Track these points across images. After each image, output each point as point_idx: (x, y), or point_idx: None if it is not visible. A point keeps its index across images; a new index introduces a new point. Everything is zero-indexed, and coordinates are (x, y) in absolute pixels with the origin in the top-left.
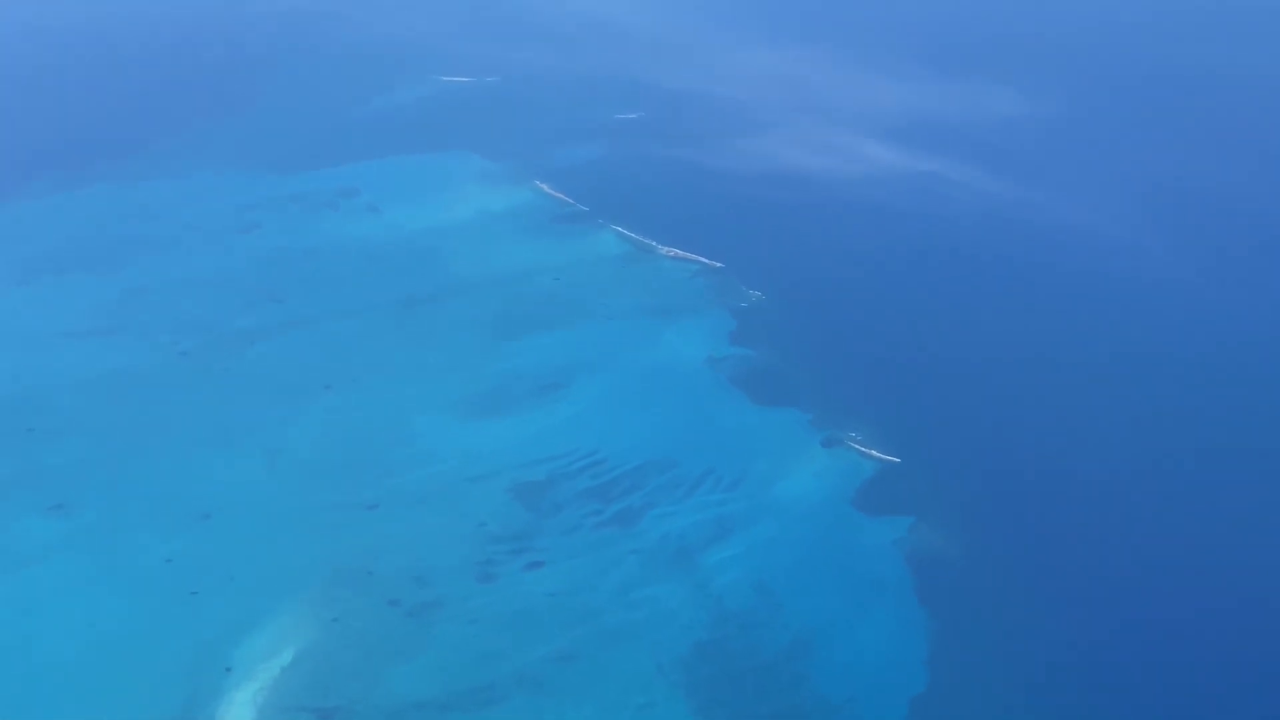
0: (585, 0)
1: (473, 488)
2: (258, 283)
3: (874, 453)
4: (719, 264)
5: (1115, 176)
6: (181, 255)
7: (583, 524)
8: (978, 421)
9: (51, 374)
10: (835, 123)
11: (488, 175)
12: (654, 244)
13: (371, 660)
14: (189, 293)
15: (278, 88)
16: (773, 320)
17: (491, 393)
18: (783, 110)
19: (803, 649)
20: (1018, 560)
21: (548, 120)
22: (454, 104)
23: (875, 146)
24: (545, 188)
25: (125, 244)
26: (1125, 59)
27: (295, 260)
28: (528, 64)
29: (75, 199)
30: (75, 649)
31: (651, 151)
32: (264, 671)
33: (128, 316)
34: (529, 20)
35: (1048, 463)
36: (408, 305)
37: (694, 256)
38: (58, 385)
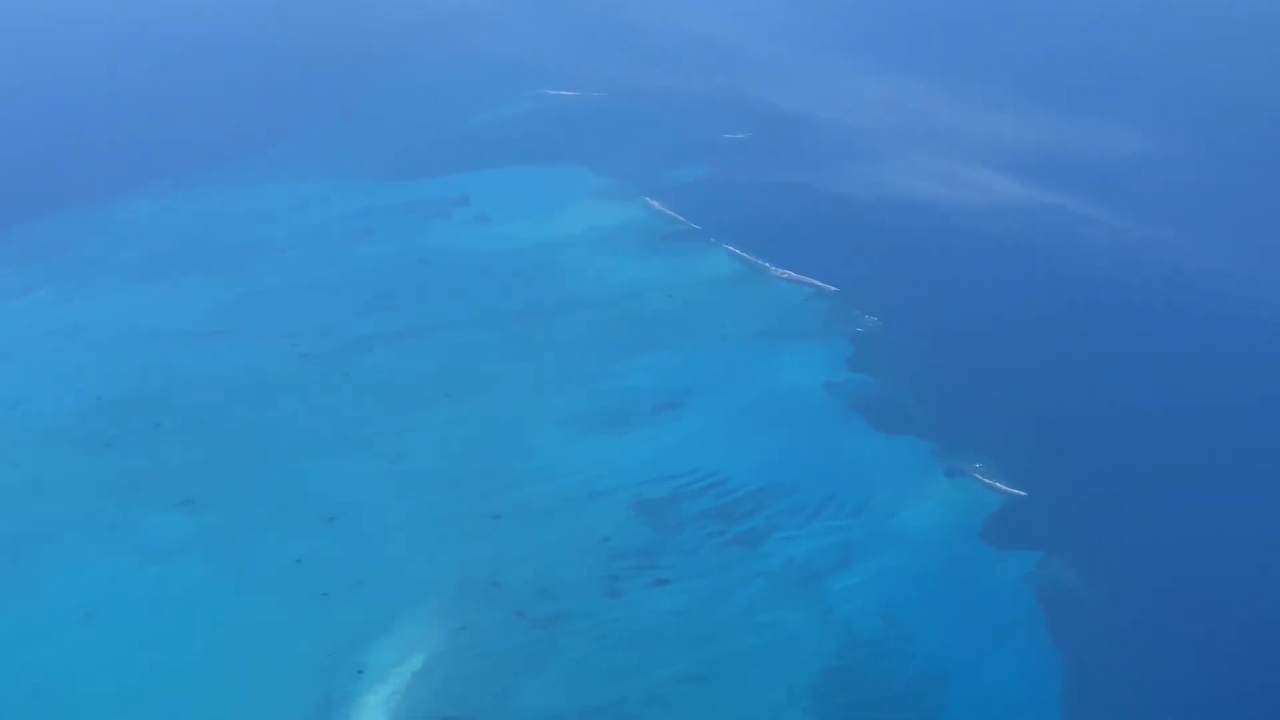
0: (691, 19)
1: (595, 503)
2: (373, 289)
3: (999, 485)
4: (834, 288)
5: (1241, 219)
6: (297, 259)
7: (706, 544)
8: (1102, 457)
9: (175, 372)
10: (952, 153)
11: (597, 190)
12: (767, 265)
13: (500, 671)
14: (306, 297)
15: (385, 98)
16: (890, 347)
17: (610, 409)
18: (896, 138)
19: (935, 682)
20: (1151, 600)
21: (655, 137)
22: (561, 118)
23: (995, 178)
24: (656, 204)
25: (242, 247)
26: (1251, 101)
27: (409, 268)
28: (633, 80)
29: (191, 200)
30: (208, 645)
31: (761, 173)
32: (395, 676)
33: (247, 318)
34: (633, 37)
35: (1177, 501)
36: (522, 317)
37: (808, 280)
38: (182, 383)
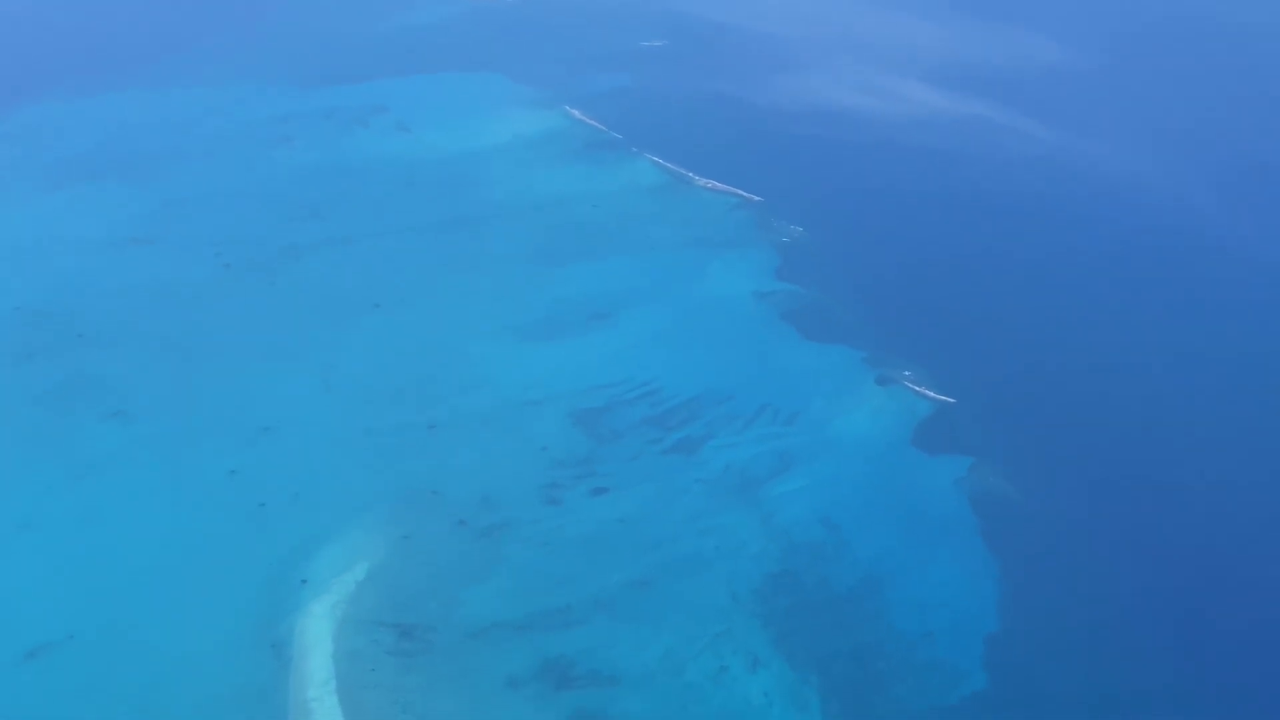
0: None
1: (531, 412)
2: (296, 198)
3: (929, 392)
4: (758, 198)
5: (1159, 129)
6: (215, 166)
7: (644, 451)
8: (1029, 363)
9: (95, 281)
10: (873, 62)
11: (517, 98)
12: (690, 175)
13: (445, 579)
14: (226, 205)
15: None
16: (817, 257)
17: (541, 319)
18: (817, 47)
19: (874, 585)
20: (1080, 503)
21: (572, 44)
22: (476, 23)
23: (915, 87)
24: (576, 113)
25: (155, 154)
26: (1167, 13)
27: (331, 176)
28: None
29: (98, 105)
30: (148, 559)
31: (682, 82)
32: (340, 586)
33: (167, 227)
34: None
35: (1102, 405)
36: (449, 227)
37: (732, 189)
38: (103, 293)
